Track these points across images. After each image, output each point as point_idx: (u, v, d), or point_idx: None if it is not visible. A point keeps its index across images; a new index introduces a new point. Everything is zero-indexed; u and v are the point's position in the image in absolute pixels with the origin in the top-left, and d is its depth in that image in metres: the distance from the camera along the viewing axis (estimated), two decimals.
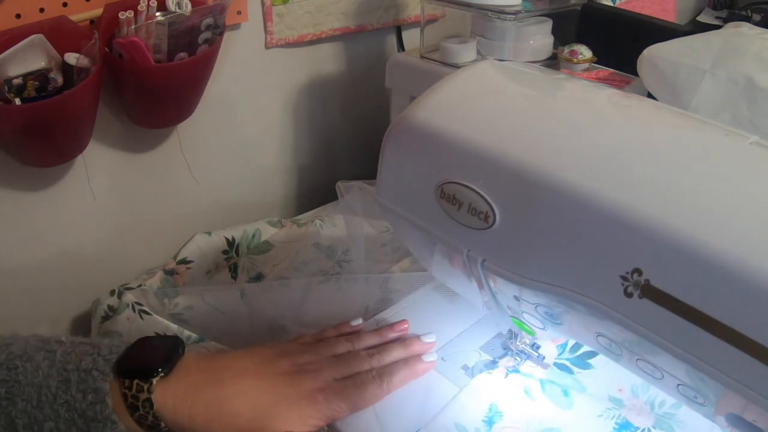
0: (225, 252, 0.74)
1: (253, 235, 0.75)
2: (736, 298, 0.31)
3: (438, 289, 0.63)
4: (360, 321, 0.59)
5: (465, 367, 0.55)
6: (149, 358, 0.47)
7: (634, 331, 0.35)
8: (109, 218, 0.79)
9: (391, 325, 0.58)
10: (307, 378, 0.50)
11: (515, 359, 0.55)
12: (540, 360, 0.55)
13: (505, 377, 0.54)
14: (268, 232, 0.76)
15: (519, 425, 0.50)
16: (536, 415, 0.51)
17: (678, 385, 0.39)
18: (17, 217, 0.71)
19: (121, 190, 0.79)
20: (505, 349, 0.56)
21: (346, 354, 0.54)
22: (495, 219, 0.40)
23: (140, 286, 0.68)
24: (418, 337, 0.57)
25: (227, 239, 0.74)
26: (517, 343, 0.55)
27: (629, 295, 0.35)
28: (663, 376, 0.39)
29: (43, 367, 0.45)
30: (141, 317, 0.62)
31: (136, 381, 0.45)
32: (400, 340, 0.56)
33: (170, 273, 0.72)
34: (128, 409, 0.45)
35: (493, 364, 0.55)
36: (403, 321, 0.58)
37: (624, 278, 0.35)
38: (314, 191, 0.99)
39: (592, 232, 0.36)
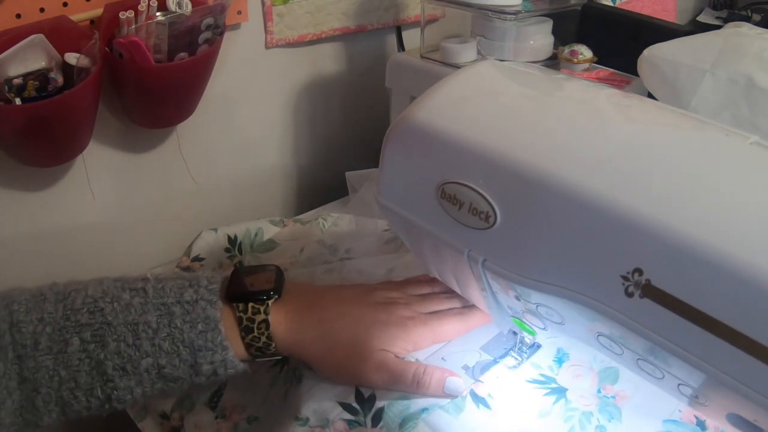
0: (227, 250, 0.74)
1: (256, 234, 0.75)
2: (736, 298, 0.31)
3: None
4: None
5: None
6: (258, 283, 0.51)
7: (635, 330, 0.35)
8: (109, 218, 0.79)
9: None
10: (398, 308, 0.54)
11: (516, 359, 0.55)
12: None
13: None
14: (270, 231, 0.76)
15: (584, 363, 0.54)
16: (597, 355, 0.54)
17: (678, 384, 0.39)
18: (17, 216, 0.71)
19: (121, 190, 0.79)
20: (505, 348, 0.56)
21: (430, 294, 0.58)
22: (496, 219, 0.40)
23: None
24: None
25: (230, 237, 0.74)
26: (520, 344, 0.55)
27: (630, 295, 0.35)
28: (664, 376, 0.39)
29: (135, 305, 0.46)
30: None
31: (251, 304, 0.49)
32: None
33: (187, 270, 0.72)
34: (242, 332, 0.48)
35: (494, 363, 0.55)
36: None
37: (625, 278, 0.35)
38: (314, 191, 0.99)
39: (593, 232, 0.36)
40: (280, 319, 0.50)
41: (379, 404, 0.50)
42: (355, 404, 0.51)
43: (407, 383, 0.50)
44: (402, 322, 0.53)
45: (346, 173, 0.74)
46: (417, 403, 0.51)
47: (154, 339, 0.45)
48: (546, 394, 0.52)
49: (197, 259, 0.72)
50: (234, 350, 0.47)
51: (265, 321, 0.48)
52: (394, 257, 0.67)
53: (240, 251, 0.74)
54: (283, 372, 0.56)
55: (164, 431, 0.58)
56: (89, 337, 0.45)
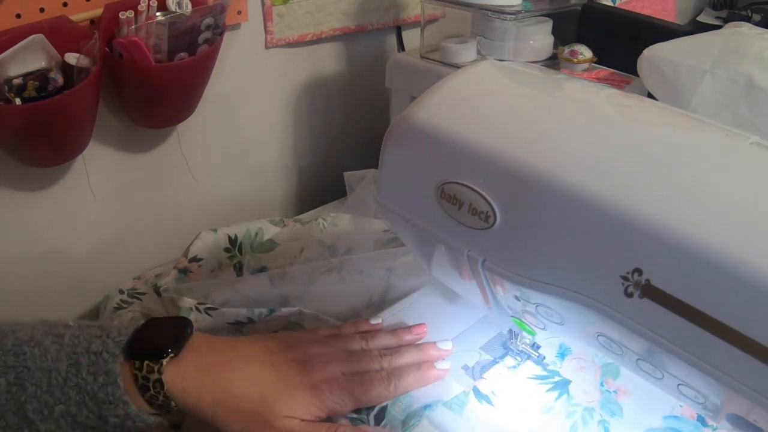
0: (227, 250, 0.74)
1: (256, 234, 0.75)
2: (736, 298, 0.31)
3: (438, 289, 0.63)
4: (380, 320, 0.59)
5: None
6: (158, 339, 0.48)
7: (635, 331, 0.35)
8: (109, 218, 0.79)
9: (409, 328, 0.57)
10: (315, 368, 0.50)
11: (516, 359, 0.55)
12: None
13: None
14: (270, 231, 0.76)
15: (587, 357, 0.55)
16: (599, 353, 0.54)
17: (678, 385, 0.39)
18: (17, 217, 0.71)
19: (121, 189, 0.79)
20: (505, 348, 0.56)
21: (358, 351, 0.54)
22: (495, 219, 0.40)
23: (159, 286, 0.68)
24: (434, 343, 0.56)
25: (230, 237, 0.74)
26: (518, 343, 0.55)
27: (630, 295, 0.35)
28: (663, 376, 0.39)
29: (52, 352, 0.46)
30: (209, 314, 0.61)
31: (146, 362, 0.46)
32: (416, 344, 0.56)
33: (184, 271, 0.71)
34: (139, 390, 0.46)
35: (493, 363, 0.55)
36: (422, 325, 0.58)
37: (624, 278, 0.35)
38: (314, 191, 0.99)
39: (593, 232, 0.36)
40: (176, 380, 0.47)
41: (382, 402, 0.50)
42: None
43: None
44: (316, 386, 0.49)
45: (344, 173, 0.74)
46: (420, 400, 0.51)
47: (64, 387, 0.45)
48: (548, 390, 0.52)
49: (195, 259, 0.72)
50: (137, 405, 0.46)
51: (159, 381, 0.46)
52: (393, 256, 0.67)
53: (240, 251, 0.74)
54: None
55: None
56: (12, 379, 0.45)
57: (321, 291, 0.64)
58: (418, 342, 0.57)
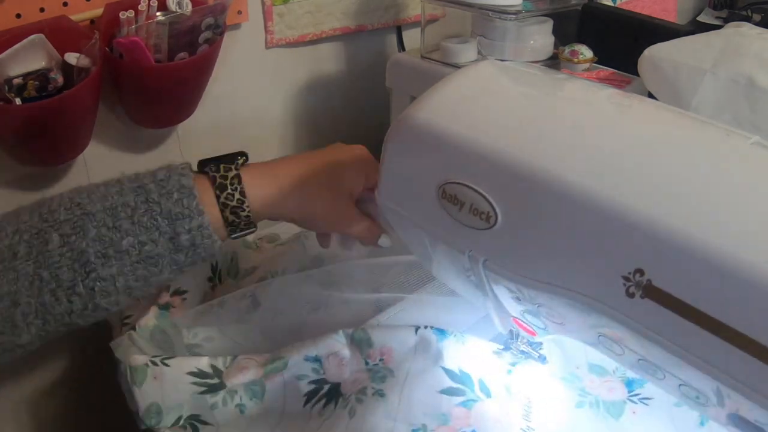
0: (210, 279, 0.69)
1: (231, 260, 0.70)
2: (738, 299, 0.31)
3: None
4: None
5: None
6: (223, 158, 0.53)
7: (636, 331, 0.35)
8: None
9: None
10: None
11: (515, 356, 0.55)
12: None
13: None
14: (245, 255, 0.71)
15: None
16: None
17: (680, 385, 0.39)
18: None
19: None
20: (506, 348, 0.56)
21: None
22: (497, 219, 0.40)
23: (132, 329, 0.59)
24: None
25: (211, 264, 0.68)
26: (518, 343, 0.55)
27: (631, 296, 0.35)
28: (665, 376, 0.39)
29: (112, 192, 0.48)
30: (167, 364, 0.55)
31: (222, 165, 0.51)
32: None
33: (165, 308, 0.62)
34: (216, 191, 0.50)
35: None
36: None
37: (626, 278, 0.35)
38: None
39: (594, 233, 0.36)
40: (253, 173, 0.52)
41: None
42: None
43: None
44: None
45: None
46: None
47: (133, 217, 0.47)
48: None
49: (178, 292, 0.64)
50: (210, 215, 0.49)
51: (237, 176, 0.50)
52: (382, 271, 0.66)
53: (220, 279, 0.69)
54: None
55: None
56: (69, 229, 0.46)
57: (310, 333, 0.59)
58: None
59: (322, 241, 0.63)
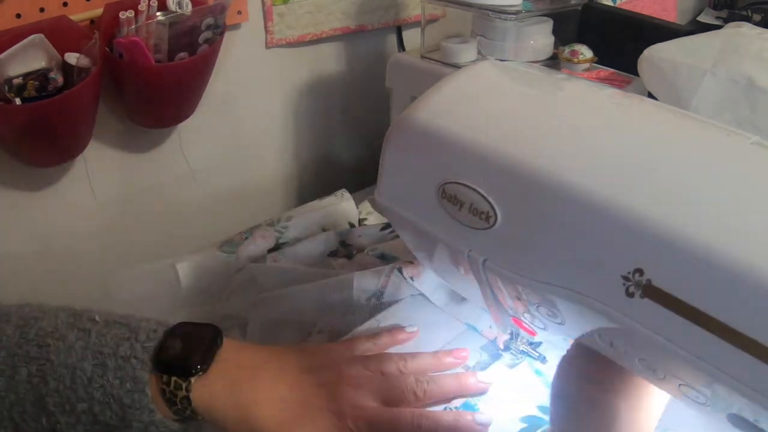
0: None
1: None
2: (737, 298, 0.31)
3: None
4: (415, 328, 0.57)
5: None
6: (188, 351, 0.46)
7: (636, 331, 0.35)
8: (110, 218, 0.79)
9: (450, 352, 0.54)
10: (343, 395, 0.49)
11: (515, 359, 0.55)
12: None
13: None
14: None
15: None
16: None
17: (680, 385, 0.39)
18: (17, 217, 0.71)
19: (122, 189, 0.79)
20: (506, 348, 0.56)
21: (393, 375, 0.51)
22: (496, 219, 0.40)
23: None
24: (474, 373, 0.53)
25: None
26: (517, 342, 0.55)
27: (631, 295, 0.35)
28: (665, 377, 0.39)
29: (77, 348, 0.45)
30: None
31: (174, 378, 0.45)
32: (455, 374, 0.53)
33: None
34: (166, 402, 0.45)
35: (492, 361, 0.55)
36: (463, 349, 0.55)
37: (625, 278, 0.35)
38: (314, 191, 0.99)
39: (594, 232, 0.36)
40: (203, 396, 0.46)
41: None
42: None
43: None
44: (341, 415, 0.47)
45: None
46: None
47: (88, 387, 0.44)
48: None
49: None
50: (162, 413, 0.45)
51: (187, 398, 0.45)
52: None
53: None
54: None
55: None
56: (35, 371, 0.45)
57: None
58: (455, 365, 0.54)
59: None
